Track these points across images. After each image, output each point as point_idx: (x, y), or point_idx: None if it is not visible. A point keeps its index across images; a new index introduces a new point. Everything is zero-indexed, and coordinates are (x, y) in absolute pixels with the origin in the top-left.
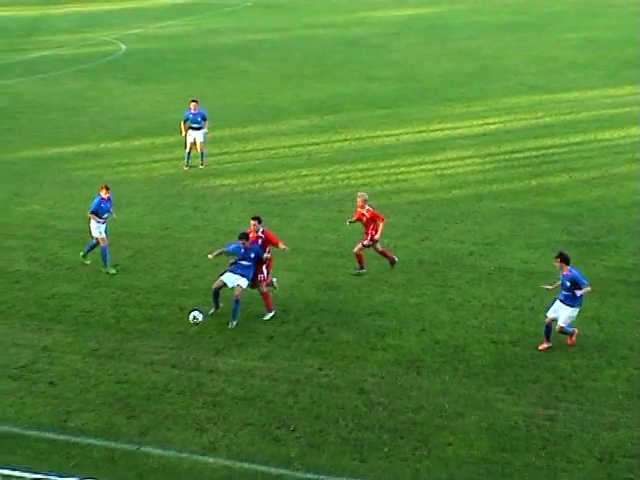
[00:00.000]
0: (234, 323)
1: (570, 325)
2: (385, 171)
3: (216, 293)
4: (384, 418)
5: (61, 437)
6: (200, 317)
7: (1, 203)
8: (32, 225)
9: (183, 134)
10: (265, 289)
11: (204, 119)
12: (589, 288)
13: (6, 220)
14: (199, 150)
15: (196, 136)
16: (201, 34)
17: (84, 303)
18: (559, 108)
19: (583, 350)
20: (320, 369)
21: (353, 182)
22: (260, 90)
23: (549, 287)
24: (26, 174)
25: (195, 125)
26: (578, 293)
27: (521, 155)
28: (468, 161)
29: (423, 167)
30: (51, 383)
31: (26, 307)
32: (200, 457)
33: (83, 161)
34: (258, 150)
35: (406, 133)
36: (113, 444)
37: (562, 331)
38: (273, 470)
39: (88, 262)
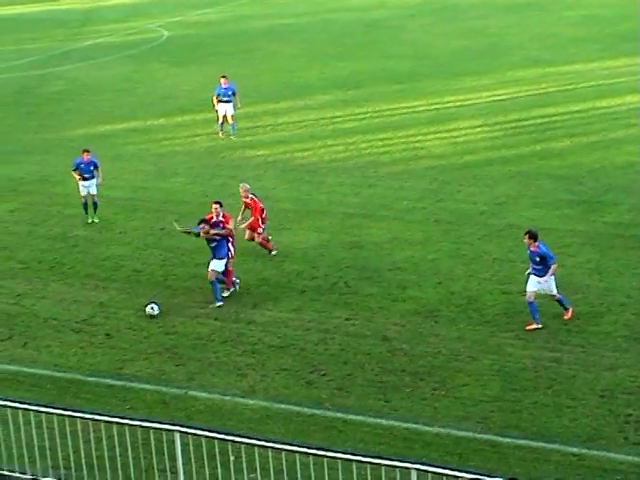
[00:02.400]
0: (217, 303)
1: (566, 299)
2: (403, 140)
3: (213, 283)
4: (405, 362)
5: (118, 383)
6: (156, 309)
7: (61, 176)
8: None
9: (215, 107)
10: (230, 268)
11: (234, 93)
12: (556, 265)
13: (66, 191)
14: (230, 122)
15: (227, 109)
16: (235, 20)
17: (135, 263)
18: (561, 80)
19: (585, 298)
20: (347, 319)
21: (374, 150)
22: (289, 69)
23: (530, 271)
24: (82, 149)
25: (225, 99)
26: (550, 273)
27: (526, 123)
28: (478, 129)
29: (438, 136)
30: (108, 335)
31: (84, 268)
32: (241, 399)
33: (132, 137)
34: (288, 123)
35: (421, 105)
36: (164, 389)
37: (559, 301)
38: (306, 410)
39: (94, 220)
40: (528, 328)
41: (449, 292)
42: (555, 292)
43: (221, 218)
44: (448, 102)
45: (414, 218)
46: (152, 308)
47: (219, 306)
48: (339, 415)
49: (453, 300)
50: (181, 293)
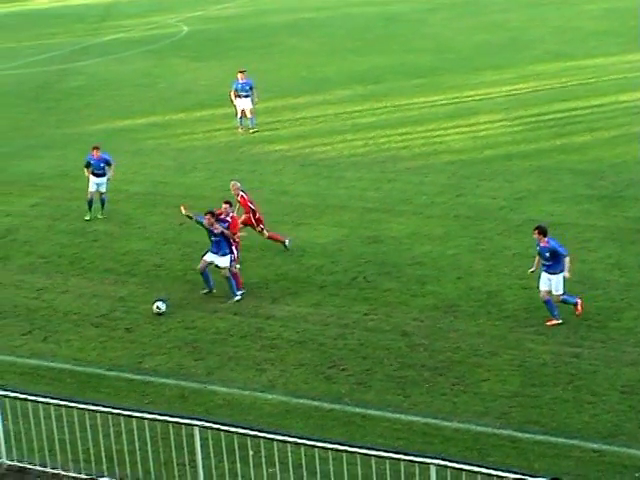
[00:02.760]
0: (235, 298)
1: (570, 295)
2: (423, 134)
3: (204, 274)
4: (425, 357)
5: (137, 377)
6: (163, 307)
7: (81, 170)
8: (108, 189)
9: (234, 103)
10: (234, 270)
11: (251, 88)
12: (569, 259)
13: (85, 186)
14: (249, 116)
15: (245, 103)
16: (255, 14)
17: (155, 258)
18: (582, 74)
19: (606, 293)
20: (366, 314)
21: (394, 145)
22: (309, 64)
23: (533, 269)
24: (102, 144)
25: (243, 93)
26: (566, 268)
27: (547, 117)
28: (498, 124)
29: (457, 130)
30: (127, 329)
31: (104, 262)
32: (260, 394)
33: (152, 131)
34: (307, 118)
35: (442, 100)
36: (183, 383)
37: (562, 301)
38: (325, 405)
39: (97, 216)
40: (549, 324)
41: (469, 287)
42: (561, 291)
43: (228, 218)
44: (468, 96)
45: (433, 213)
46: (158, 307)
47: (237, 300)
48: (358, 410)
49: (473, 295)
50: (201, 288)
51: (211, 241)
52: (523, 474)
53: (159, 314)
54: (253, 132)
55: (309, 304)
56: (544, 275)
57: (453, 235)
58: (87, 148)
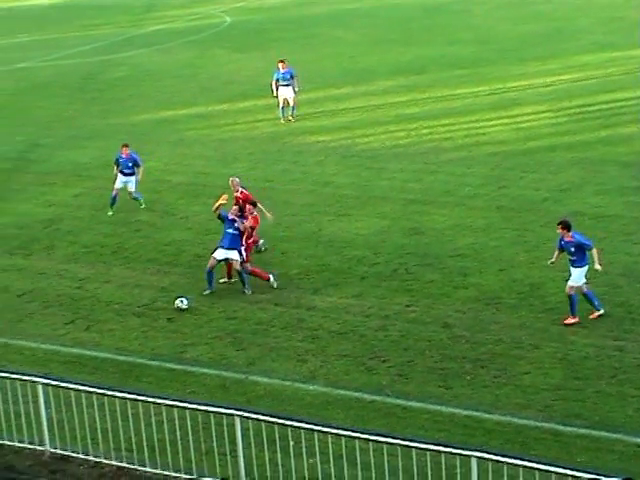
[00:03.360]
0: (248, 291)
1: (597, 298)
2: (466, 126)
3: (210, 272)
4: (466, 349)
5: (179, 367)
6: (185, 303)
7: None
8: (150, 180)
9: (274, 93)
10: (250, 268)
11: (292, 77)
12: (595, 250)
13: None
14: (291, 104)
15: (286, 92)
16: (297, 5)
17: (197, 248)
18: (628, 64)
19: None
20: (408, 306)
21: (436, 136)
22: (351, 54)
23: (553, 260)
24: (145, 134)
25: (284, 83)
26: (596, 260)
27: (592, 108)
28: (542, 115)
29: (501, 121)
30: (169, 319)
31: (146, 253)
32: (301, 385)
33: (194, 122)
34: (350, 109)
35: (485, 91)
36: (224, 373)
37: (569, 295)
38: (366, 396)
39: (142, 206)
40: (592, 317)
41: (511, 279)
42: (577, 283)
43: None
44: (512, 87)
45: (476, 205)
46: (181, 301)
47: (248, 293)
48: (399, 402)
49: (515, 287)
50: (238, 279)
51: (226, 232)
52: (564, 467)
53: (181, 310)
54: (294, 120)
55: (350, 295)
56: (573, 270)
57: (495, 227)
58: (130, 138)
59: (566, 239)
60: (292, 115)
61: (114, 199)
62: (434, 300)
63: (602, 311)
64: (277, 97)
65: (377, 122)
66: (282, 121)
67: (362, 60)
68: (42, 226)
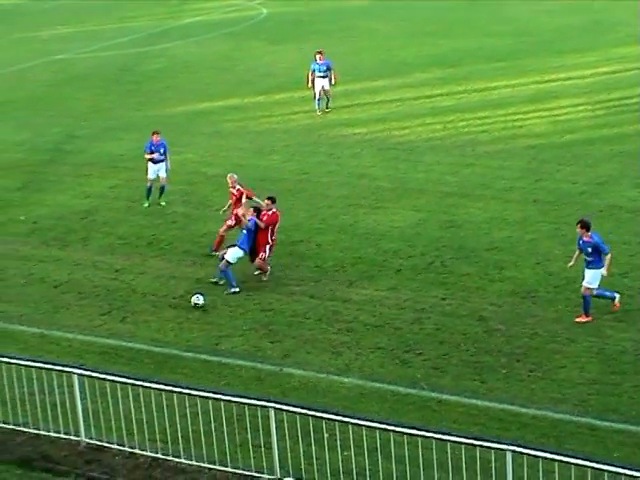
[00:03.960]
0: (231, 290)
1: (607, 289)
2: (502, 118)
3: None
4: (502, 343)
5: (214, 358)
6: (201, 300)
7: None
8: (186, 172)
9: (309, 85)
10: (261, 264)
11: (329, 69)
12: (609, 256)
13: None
14: (326, 96)
15: (323, 84)
16: None
17: (232, 240)
18: None
19: None
20: (443, 299)
21: (473, 129)
22: (388, 47)
23: (572, 263)
24: (181, 126)
25: (321, 74)
26: (605, 266)
27: (630, 101)
28: (580, 108)
29: (538, 114)
30: (204, 311)
31: (182, 244)
32: (336, 377)
33: (230, 114)
34: (386, 101)
35: (522, 83)
36: (259, 365)
37: (584, 296)
38: (401, 389)
39: (160, 203)
40: (577, 320)
41: (547, 273)
42: (592, 285)
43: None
44: (549, 80)
45: (512, 198)
46: (197, 298)
47: (231, 293)
48: (434, 395)
49: (551, 281)
50: (277, 270)
51: (241, 231)
52: (600, 462)
53: (198, 307)
54: (329, 112)
55: (386, 288)
56: (586, 270)
57: (532, 220)
58: (167, 130)
59: (585, 239)
60: (327, 107)
61: (149, 190)
62: (469, 293)
63: (617, 296)
64: (313, 88)
65: (413, 114)
66: (318, 113)
67: (398, 52)
68: (78, 217)
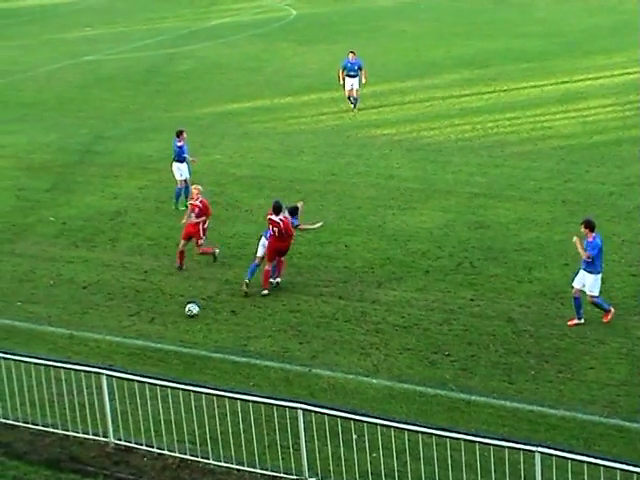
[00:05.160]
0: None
1: (603, 300)
2: (531, 119)
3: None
4: (531, 344)
5: (242, 359)
6: (195, 309)
7: (188, 153)
8: (215, 172)
9: (341, 82)
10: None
11: (360, 68)
12: (586, 254)
13: (193, 168)
14: (354, 95)
15: (353, 83)
16: None
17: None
18: None
19: None
20: (472, 300)
21: (502, 130)
22: (416, 48)
23: (578, 247)
24: (210, 127)
25: (352, 73)
26: (578, 247)
27: None
28: (609, 109)
29: (566, 115)
30: (233, 312)
31: (211, 245)
32: (364, 378)
33: (258, 115)
34: (414, 102)
35: (550, 84)
36: (287, 366)
37: (593, 303)
38: (430, 390)
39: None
40: (570, 324)
41: (576, 274)
42: (595, 292)
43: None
44: (578, 81)
45: (541, 198)
46: (190, 309)
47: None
48: (463, 396)
49: None
50: (305, 271)
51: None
52: (630, 464)
53: (191, 316)
54: (357, 112)
55: (414, 289)
56: (581, 272)
57: (560, 221)
58: (195, 131)
59: (588, 239)
60: (354, 108)
61: (179, 193)
62: (498, 294)
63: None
64: (344, 86)
65: (442, 115)
66: (354, 110)
67: (427, 53)
68: (107, 218)
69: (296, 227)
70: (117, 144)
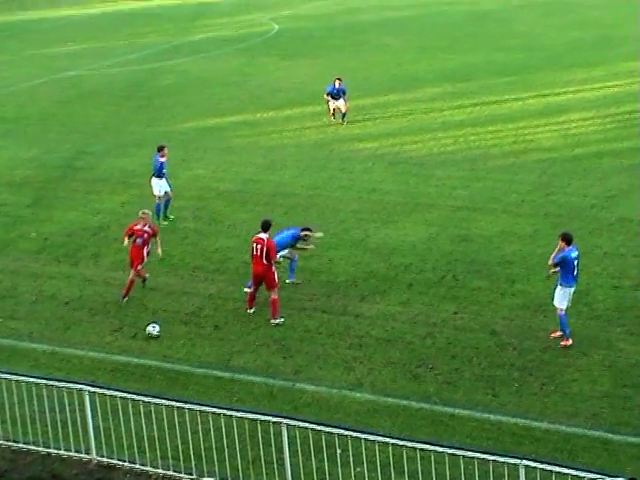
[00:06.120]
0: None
1: (567, 322)
2: (513, 132)
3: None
4: (514, 357)
5: (225, 375)
6: (156, 330)
7: (171, 169)
8: (197, 187)
9: (328, 105)
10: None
11: (344, 93)
12: (549, 263)
13: (175, 183)
14: (343, 111)
15: (338, 104)
16: (346, 12)
17: (244, 256)
18: None
19: None
20: (455, 313)
21: (484, 143)
22: (399, 62)
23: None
24: (192, 142)
25: (336, 97)
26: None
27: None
28: (590, 122)
29: (548, 128)
30: (216, 327)
31: (193, 260)
32: (348, 392)
33: (241, 129)
34: (397, 116)
35: (532, 97)
36: (271, 381)
37: (559, 318)
38: (413, 404)
39: (172, 217)
40: (553, 335)
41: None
42: (558, 305)
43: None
44: (559, 94)
45: (523, 211)
46: (153, 327)
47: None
48: (446, 410)
49: None
50: (289, 286)
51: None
52: (613, 476)
53: (152, 336)
54: (344, 125)
55: (397, 302)
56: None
57: (543, 234)
58: (178, 146)
59: (564, 252)
60: (343, 121)
61: (159, 208)
62: (481, 307)
63: (570, 342)
64: (328, 106)
65: (424, 129)
66: (332, 120)
67: (409, 67)
68: (89, 234)
69: (298, 239)
70: (99, 159)
